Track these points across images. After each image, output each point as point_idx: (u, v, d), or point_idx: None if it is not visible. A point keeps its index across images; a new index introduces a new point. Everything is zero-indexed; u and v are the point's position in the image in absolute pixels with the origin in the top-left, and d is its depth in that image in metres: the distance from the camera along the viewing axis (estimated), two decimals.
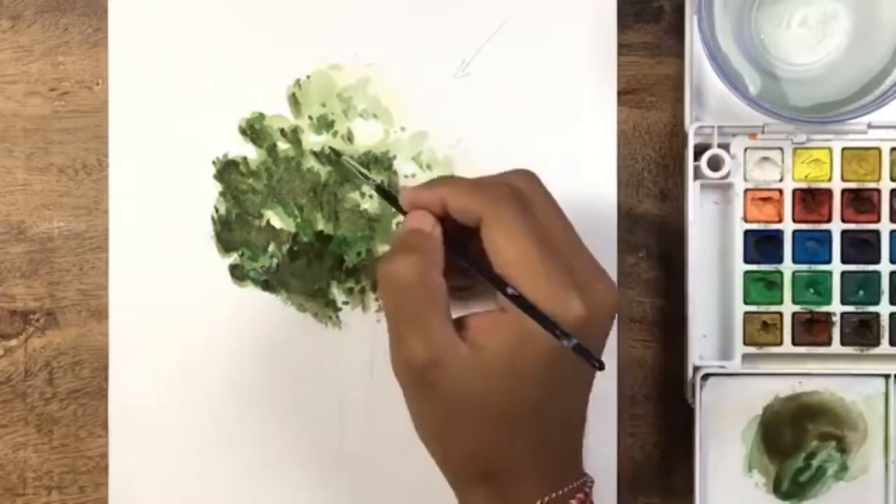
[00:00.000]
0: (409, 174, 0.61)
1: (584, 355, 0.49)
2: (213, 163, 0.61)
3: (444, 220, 0.52)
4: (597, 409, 0.60)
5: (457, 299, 0.52)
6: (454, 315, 0.51)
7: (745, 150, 0.59)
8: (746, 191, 0.59)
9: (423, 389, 0.50)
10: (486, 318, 0.50)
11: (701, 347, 0.60)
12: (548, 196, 0.52)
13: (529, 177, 0.52)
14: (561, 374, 0.50)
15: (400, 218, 0.60)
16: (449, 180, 0.55)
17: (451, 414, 0.50)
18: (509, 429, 0.50)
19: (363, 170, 0.59)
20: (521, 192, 0.51)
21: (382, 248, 0.61)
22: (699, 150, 0.58)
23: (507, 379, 0.49)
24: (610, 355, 0.60)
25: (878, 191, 0.59)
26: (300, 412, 0.61)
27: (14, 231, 0.61)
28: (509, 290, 0.49)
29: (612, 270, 0.60)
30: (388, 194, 0.57)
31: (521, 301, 0.49)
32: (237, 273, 0.61)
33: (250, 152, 0.61)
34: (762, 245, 0.59)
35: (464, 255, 0.52)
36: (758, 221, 0.59)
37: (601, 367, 0.50)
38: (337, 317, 0.61)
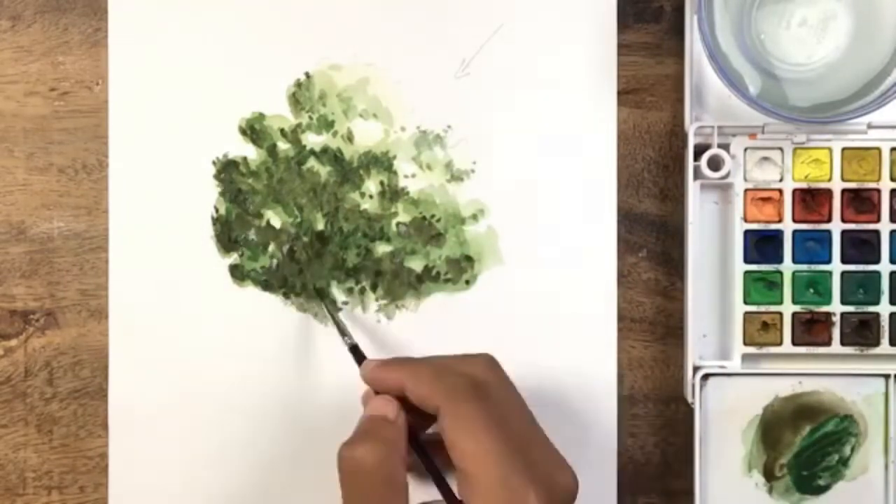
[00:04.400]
0: (409, 174, 0.61)
1: None
2: (213, 163, 0.61)
3: (403, 399, 0.52)
4: (597, 409, 0.60)
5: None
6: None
7: (745, 150, 0.59)
8: (746, 191, 0.59)
9: None
10: None
11: (701, 347, 0.60)
12: (507, 383, 0.52)
13: (489, 364, 0.52)
14: None
15: (400, 218, 0.60)
16: (409, 364, 0.53)
17: None
18: None
19: (343, 326, 0.59)
20: (479, 382, 0.50)
21: (382, 248, 0.61)
22: (699, 150, 0.58)
23: None
24: (610, 355, 0.60)
25: (878, 191, 0.59)
26: (300, 412, 0.61)
27: (14, 231, 0.61)
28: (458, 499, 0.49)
29: (612, 270, 0.60)
30: (359, 356, 0.56)
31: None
32: (237, 273, 0.61)
33: (250, 152, 0.61)
34: (762, 245, 0.59)
35: (422, 448, 0.52)
36: (758, 221, 0.59)
37: None
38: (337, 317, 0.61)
